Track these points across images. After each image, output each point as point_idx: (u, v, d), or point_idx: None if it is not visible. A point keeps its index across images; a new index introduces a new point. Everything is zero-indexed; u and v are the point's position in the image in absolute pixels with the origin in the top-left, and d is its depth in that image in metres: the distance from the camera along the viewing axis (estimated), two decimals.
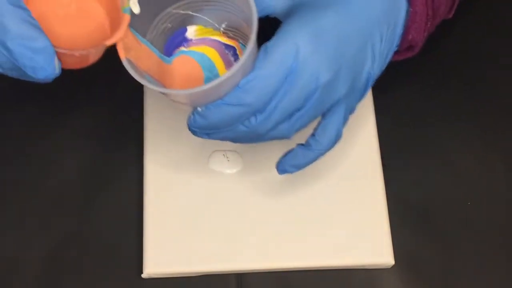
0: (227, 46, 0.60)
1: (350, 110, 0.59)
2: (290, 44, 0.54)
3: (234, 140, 0.58)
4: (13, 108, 0.71)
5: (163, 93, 0.55)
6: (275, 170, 0.62)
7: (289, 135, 0.58)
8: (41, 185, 0.68)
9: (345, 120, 0.59)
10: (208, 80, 0.58)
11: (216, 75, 0.58)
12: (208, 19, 0.60)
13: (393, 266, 0.65)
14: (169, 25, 0.60)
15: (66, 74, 0.72)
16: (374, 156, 0.67)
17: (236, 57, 0.60)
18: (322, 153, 0.59)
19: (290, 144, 0.68)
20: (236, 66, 0.52)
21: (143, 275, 0.64)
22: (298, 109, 0.56)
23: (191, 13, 0.60)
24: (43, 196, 0.67)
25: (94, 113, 0.70)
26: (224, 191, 0.66)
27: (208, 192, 0.66)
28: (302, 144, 0.60)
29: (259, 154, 0.67)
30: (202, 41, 0.60)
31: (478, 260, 0.66)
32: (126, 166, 0.68)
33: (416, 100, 0.71)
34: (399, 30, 0.59)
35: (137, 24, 0.56)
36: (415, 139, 0.70)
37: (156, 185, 0.66)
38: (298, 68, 0.54)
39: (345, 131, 0.59)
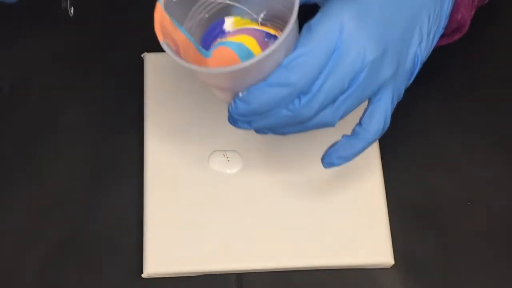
0: (267, 34, 0.58)
1: (398, 95, 0.57)
2: (334, 20, 0.52)
3: (277, 128, 0.56)
4: (13, 108, 0.71)
5: (201, 76, 0.53)
6: (275, 170, 0.62)
7: (333, 122, 0.55)
8: (41, 185, 0.68)
9: (392, 105, 0.57)
10: None
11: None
12: (246, 9, 0.58)
13: (393, 266, 0.65)
14: (206, 15, 0.58)
15: (66, 73, 0.72)
16: (374, 156, 0.67)
17: None
18: (370, 142, 0.57)
19: (296, 142, 0.68)
20: (279, 41, 0.50)
21: (143, 275, 0.64)
22: (343, 92, 0.54)
23: (228, 2, 0.58)
24: (43, 196, 0.67)
25: (94, 113, 0.70)
26: (224, 191, 0.66)
27: (208, 192, 0.66)
28: (347, 135, 0.57)
29: (259, 154, 0.67)
30: (239, 31, 0.58)
31: (478, 260, 0.66)
32: (126, 165, 0.68)
33: (416, 100, 0.71)
34: (446, 9, 0.57)
35: (175, 11, 0.54)
36: (415, 139, 0.70)
37: (156, 185, 0.66)
38: (344, 44, 0.52)
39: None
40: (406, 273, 0.66)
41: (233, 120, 0.56)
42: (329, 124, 0.55)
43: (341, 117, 0.55)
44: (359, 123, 0.57)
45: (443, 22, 0.58)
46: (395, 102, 0.57)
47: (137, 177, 0.67)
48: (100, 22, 0.74)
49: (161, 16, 0.53)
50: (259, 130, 0.57)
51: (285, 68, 0.52)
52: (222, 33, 0.59)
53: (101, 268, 0.65)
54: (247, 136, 0.68)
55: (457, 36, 0.61)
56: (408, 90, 0.58)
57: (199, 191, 0.66)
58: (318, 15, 0.53)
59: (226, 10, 0.59)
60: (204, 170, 0.67)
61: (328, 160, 0.58)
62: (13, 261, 0.65)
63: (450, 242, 0.67)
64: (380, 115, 0.56)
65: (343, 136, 0.57)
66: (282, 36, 0.50)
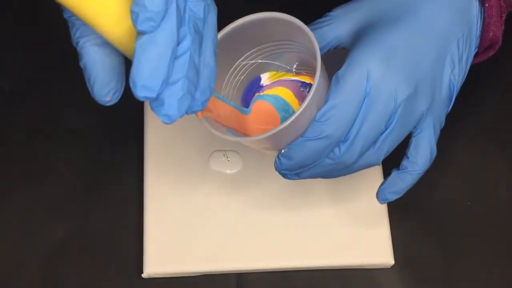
0: (303, 84, 0.59)
1: (440, 123, 0.58)
2: (360, 68, 0.53)
3: (325, 175, 0.57)
4: (13, 108, 0.71)
5: (244, 143, 0.55)
6: (274, 170, 0.62)
7: (377, 162, 0.56)
8: (41, 185, 0.68)
9: (436, 134, 0.58)
10: (284, 120, 0.58)
11: (293, 114, 0.58)
12: (278, 63, 0.60)
13: (393, 266, 0.65)
14: (241, 77, 0.59)
15: (66, 73, 0.72)
16: None
17: None
18: (420, 173, 0.58)
19: None
20: (306, 102, 0.52)
21: (143, 275, 0.64)
22: (382, 133, 0.55)
23: (261, 61, 0.59)
24: (43, 196, 0.67)
25: (94, 112, 0.70)
26: (224, 191, 0.66)
27: (208, 192, 0.66)
28: (397, 169, 0.58)
29: (259, 154, 0.67)
30: (275, 83, 0.60)
31: (478, 260, 0.66)
32: (126, 166, 0.68)
33: None
34: (475, 31, 0.58)
35: None
36: None
37: (156, 185, 0.66)
38: (373, 90, 0.53)
39: None
40: (406, 273, 0.66)
41: (282, 174, 0.58)
42: (374, 164, 0.57)
43: (385, 155, 0.56)
44: (406, 157, 0.58)
45: (474, 44, 0.59)
46: (438, 130, 0.58)
47: (137, 177, 0.68)
48: None
49: None
50: (310, 178, 0.58)
51: (319, 122, 0.53)
52: (260, 87, 0.60)
53: (101, 268, 0.65)
54: None
55: (491, 53, 0.61)
56: None
57: (199, 191, 0.66)
58: (345, 64, 0.54)
59: (261, 68, 0.60)
60: (204, 170, 0.67)
61: (383, 196, 0.59)
62: (13, 261, 0.65)
63: (450, 242, 0.67)
64: (425, 146, 0.57)
65: (393, 170, 0.58)
66: (308, 97, 0.52)
